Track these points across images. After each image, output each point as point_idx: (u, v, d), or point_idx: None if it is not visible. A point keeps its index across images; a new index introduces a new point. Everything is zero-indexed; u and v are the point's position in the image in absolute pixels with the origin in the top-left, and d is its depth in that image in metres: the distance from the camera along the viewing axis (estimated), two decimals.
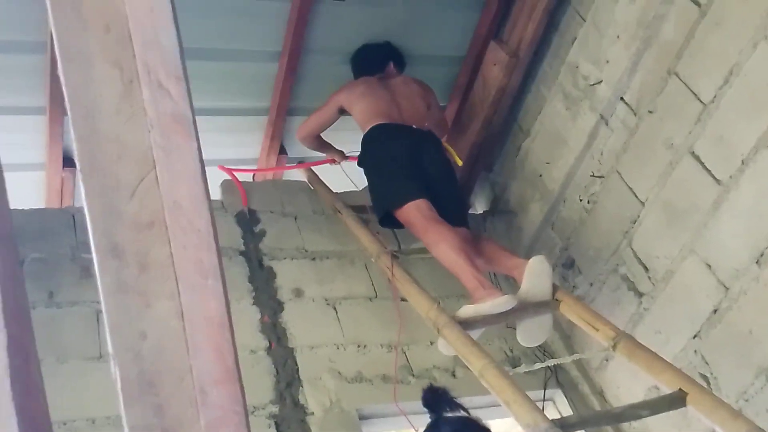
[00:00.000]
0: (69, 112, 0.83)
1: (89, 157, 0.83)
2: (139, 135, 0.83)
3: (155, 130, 0.83)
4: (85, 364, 2.17)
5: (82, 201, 0.84)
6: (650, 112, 2.43)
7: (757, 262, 2.05)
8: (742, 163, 2.10)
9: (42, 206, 2.96)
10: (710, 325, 2.19)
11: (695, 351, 2.23)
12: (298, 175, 3.17)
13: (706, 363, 2.19)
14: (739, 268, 2.10)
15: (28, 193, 2.98)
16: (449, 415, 1.56)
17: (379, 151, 2.65)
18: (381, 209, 2.61)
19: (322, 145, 3.02)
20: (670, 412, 2.02)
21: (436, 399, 1.59)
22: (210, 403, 0.81)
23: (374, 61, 2.92)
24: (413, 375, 2.52)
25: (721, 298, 2.15)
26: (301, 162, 3.24)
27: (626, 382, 2.46)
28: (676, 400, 1.73)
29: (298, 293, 2.62)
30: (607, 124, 2.61)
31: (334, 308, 2.64)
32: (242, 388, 0.83)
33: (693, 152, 2.25)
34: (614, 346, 1.95)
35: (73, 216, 2.57)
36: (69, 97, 0.84)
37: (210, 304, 0.85)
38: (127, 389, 0.79)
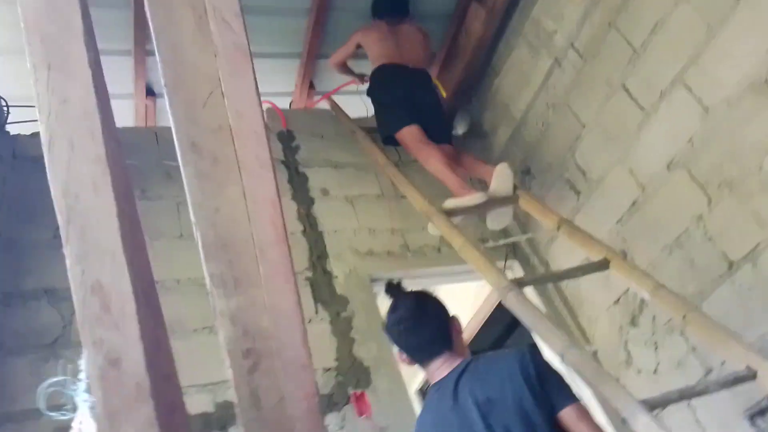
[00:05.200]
0: (155, 45, 0.82)
1: (173, 77, 0.82)
2: (209, 60, 0.82)
3: (221, 55, 0.82)
4: (170, 241, 2.20)
5: (167, 110, 0.83)
6: (593, 56, 2.36)
7: (667, 168, 2.04)
8: (661, 94, 2.06)
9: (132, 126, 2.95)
10: (629, 215, 2.21)
11: (617, 233, 2.25)
12: (324, 105, 3.12)
13: (625, 241, 2.23)
14: (653, 172, 2.10)
15: (121, 117, 2.95)
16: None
17: (383, 86, 2.59)
18: (383, 132, 2.57)
19: (348, 71, 2.94)
20: (597, 274, 2.07)
21: (393, 288, 1.55)
22: (267, 258, 0.82)
23: (387, 9, 2.79)
24: (409, 251, 2.56)
25: (639, 195, 2.16)
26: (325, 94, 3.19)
27: (565, 256, 2.50)
28: (602, 265, 1.75)
29: (325, 192, 2.63)
30: (560, 66, 2.54)
31: (352, 203, 2.65)
32: (290, 249, 0.85)
33: (624, 86, 2.21)
34: (558, 228, 1.96)
35: (156, 133, 2.55)
36: (155, 33, 0.82)
37: (265, 187, 0.85)
38: (207, 249, 0.80)
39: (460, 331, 1.41)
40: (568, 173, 2.50)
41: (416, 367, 1.41)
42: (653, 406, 1.24)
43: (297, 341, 0.85)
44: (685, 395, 1.33)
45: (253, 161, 0.85)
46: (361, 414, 1.91)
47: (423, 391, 3.35)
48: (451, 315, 1.44)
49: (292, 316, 0.86)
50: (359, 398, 1.93)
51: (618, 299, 2.28)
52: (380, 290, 2.39)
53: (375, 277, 2.40)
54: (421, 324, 1.39)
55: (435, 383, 1.33)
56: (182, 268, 2.07)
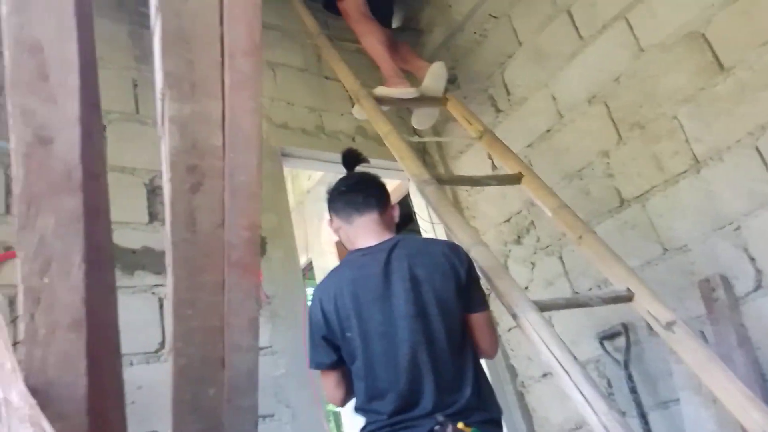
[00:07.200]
0: None
1: None
2: None
3: None
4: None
5: None
6: None
7: (588, 102, 2.14)
8: (603, 27, 2.11)
9: None
10: (540, 140, 2.31)
11: (524, 156, 2.33)
12: None
13: (530, 165, 2.32)
14: (574, 103, 2.19)
15: None
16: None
17: None
18: None
19: None
20: (495, 191, 2.16)
21: (352, 157, 1.57)
22: (236, 68, 0.74)
23: None
24: (324, 133, 2.49)
25: (555, 122, 2.25)
26: None
27: (472, 169, 2.56)
28: (514, 179, 1.82)
29: None
30: None
31: (273, 70, 2.49)
32: (261, 64, 0.77)
33: (569, 11, 2.23)
34: (480, 137, 2.00)
35: None
36: None
37: None
38: (166, 41, 0.69)
39: (394, 215, 1.45)
40: (493, 89, 2.53)
41: (343, 232, 1.41)
42: (543, 308, 1.35)
43: (251, 167, 0.79)
44: (571, 304, 1.48)
45: None
46: None
47: (307, 269, 3.40)
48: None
49: (250, 138, 0.79)
50: None
51: (509, 218, 2.42)
52: (288, 163, 2.34)
53: (285, 152, 2.32)
54: (365, 185, 1.44)
55: (360, 249, 1.34)
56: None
